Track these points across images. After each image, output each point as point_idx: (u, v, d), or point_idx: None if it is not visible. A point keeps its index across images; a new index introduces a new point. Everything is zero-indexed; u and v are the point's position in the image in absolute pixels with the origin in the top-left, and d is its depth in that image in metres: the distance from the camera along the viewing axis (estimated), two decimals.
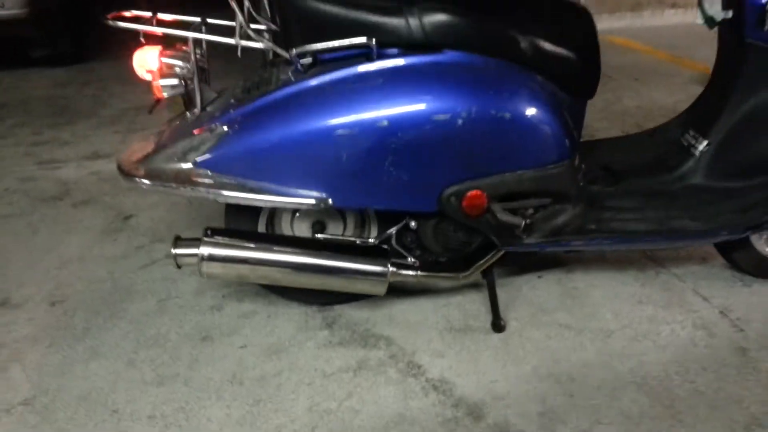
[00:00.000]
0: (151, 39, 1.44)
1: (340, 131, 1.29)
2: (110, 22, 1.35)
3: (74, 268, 2.00)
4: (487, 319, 1.76)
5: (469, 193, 1.38)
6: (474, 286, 1.86)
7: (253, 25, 1.38)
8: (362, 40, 1.29)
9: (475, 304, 1.83)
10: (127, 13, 1.44)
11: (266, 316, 1.79)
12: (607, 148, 1.85)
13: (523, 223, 1.43)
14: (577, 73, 1.43)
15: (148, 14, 1.44)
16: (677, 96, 3.52)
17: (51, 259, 2.05)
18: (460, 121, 1.29)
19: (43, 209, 2.35)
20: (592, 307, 1.82)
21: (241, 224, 1.55)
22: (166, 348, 1.68)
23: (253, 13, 1.45)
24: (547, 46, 1.37)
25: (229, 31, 1.44)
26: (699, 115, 1.73)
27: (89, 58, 4.17)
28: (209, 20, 1.48)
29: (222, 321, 1.78)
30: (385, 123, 1.29)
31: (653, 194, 1.64)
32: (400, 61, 1.32)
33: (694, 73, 3.92)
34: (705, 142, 1.65)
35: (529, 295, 1.87)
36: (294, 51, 1.32)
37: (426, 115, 1.29)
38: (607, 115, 3.26)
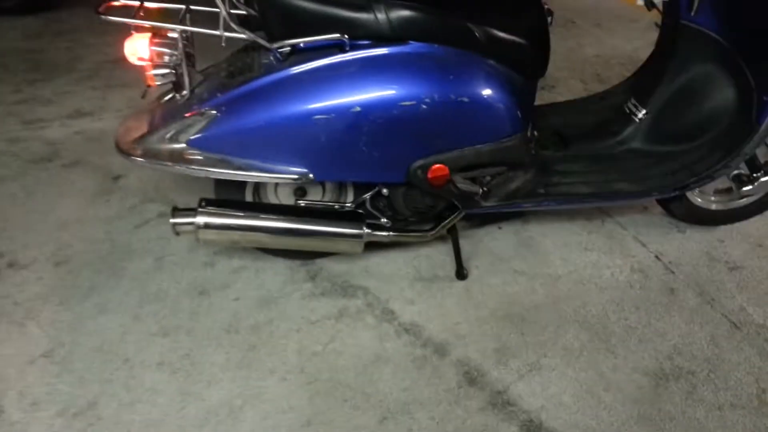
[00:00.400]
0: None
1: (317, 116, 1.46)
2: (102, 16, 1.46)
3: (73, 229, 2.16)
4: (452, 268, 1.99)
5: (433, 167, 1.57)
6: (441, 238, 2.08)
7: (234, 11, 1.51)
8: (336, 35, 1.44)
9: (441, 255, 2.05)
10: (116, 2, 1.54)
11: (255, 271, 1.99)
12: (560, 112, 2.04)
13: (481, 190, 1.64)
14: (528, 57, 1.60)
15: (136, 3, 1.55)
16: (636, 43, 3.68)
17: (49, 221, 2.20)
18: (423, 106, 1.47)
19: (35, 171, 2.47)
20: (544, 255, 2.07)
21: (230, 194, 1.72)
22: (166, 302, 1.88)
23: (234, 2, 1.57)
24: (500, 34, 1.53)
25: (212, 18, 1.56)
26: (640, 85, 1.92)
27: (57, 5, 4.12)
28: (192, 7, 1.59)
29: (215, 276, 1.97)
30: (358, 108, 1.46)
31: (597, 158, 1.86)
32: (369, 52, 1.48)
33: (654, 19, 4.06)
34: (644, 111, 1.86)
35: (490, 245, 2.10)
36: (275, 45, 1.46)
37: (394, 101, 1.46)
38: (569, 64, 3.41)
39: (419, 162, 1.57)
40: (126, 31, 1.58)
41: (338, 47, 1.48)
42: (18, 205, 2.29)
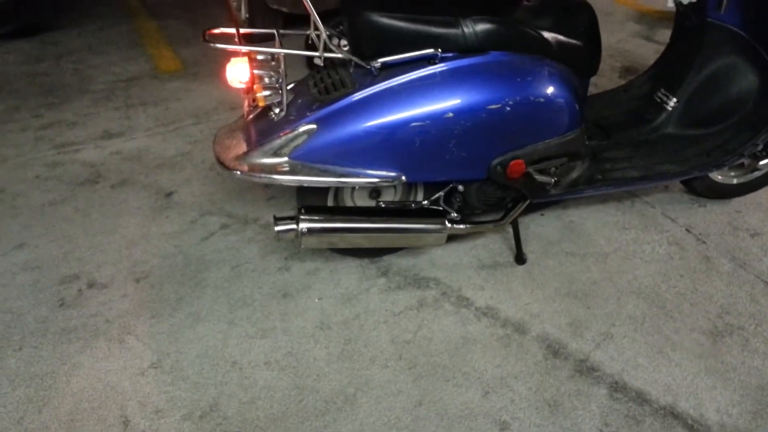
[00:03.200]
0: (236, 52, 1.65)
1: (414, 123, 1.62)
2: (209, 44, 1.57)
3: (142, 246, 2.23)
4: (509, 254, 2.18)
5: (512, 162, 1.75)
6: (491, 230, 2.26)
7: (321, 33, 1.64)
8: (430, 51, 1.60)
9: (496, 243, 2.23)
10: (216, 31, 1.65)
11: (329, 272, 2.12)
12: (593, 105, 2.25)
13: (552, 180, 1.83)
14: (584, 58, 1.80)
15: (232, 30, 1.66)
16: (618, 35, 3.95)
17: (115, 240, 2.27)
18: (507, 108, 1.65)
19: (83, 193, 2.52)
20: (588, 236, 2.27)
21: (312, 199, 1.86)
22: (255, 307, 1.99)
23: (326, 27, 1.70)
24: (563, 39, 1.73)
25: (293, 40, 1.69)
26: (666, 77, 2.15)
27: (50, 28, 4.11)
28: (282, 31, 1.71)
29: (293, 279, 2.10)
30: (451, 114, 1.62)
31: (637, 144, 2.08)
32: (457, 63, 1.65)
33: (629, 11, 4.35)
34: (674, 99, 2.09)
35: (537, 231, 2.29)
36: (372, 63, 1.61)
37: (482, 105, 1.64)
38: None
39: (499, 159, 1.75)
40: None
41: (427, 60, 1.64)
42: (77, 226, 2.34)
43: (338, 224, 1.75)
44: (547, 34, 1.71)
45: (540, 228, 2.31)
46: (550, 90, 1.70)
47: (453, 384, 1.75)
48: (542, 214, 2.38)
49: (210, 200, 2.47)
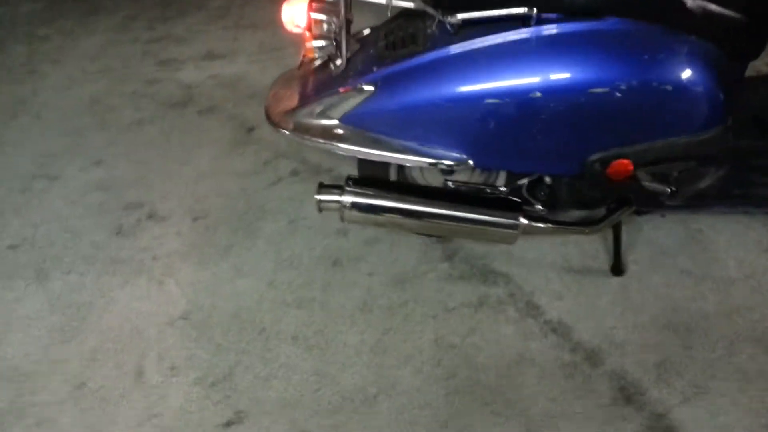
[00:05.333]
0: None
1: (489, 99, 1.28)
2: None
3: (209, 182, 2.14)
4: (605, 259, 1.80)
5: (616, 161, 1.36)
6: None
7: None
8: (522, 10, 1.23)
9: (593, 243, 1.85)
10: None
11: (389, 245, 1.89)
12: (757, 90, 1.72)
13: (669, 190, 1.41)
14: (742, 36, 1.31)
15: None
16: None
17: (187, 171, 2.20)
18: (618, 94, 1.25)
19: (171, 116, 2.47)
20: (715, 253, 1.81)
21: (373, 170, 1.60)
22: (300, 271, 1.83)
23: None
24: (715, 9, 1.25)
25: None
26: None
27: None
28: None
29: (348, 246, 1.90)
30: (538, 94, 1.26)
31: None
32: (558, 29, 1.25)
33: None
34: None
35: (651, 236, 1.87)
36: (448, 18, 1.27)
37: (582, 87, 1.25)
38: None
39: (599, 155, 1.36)
40: None
41: (521, 20, 1.27)
42: (156, 150, 2.31)
43: (387, 202, 1.49)
44: (692, 2, 1.24)
45: (655, 232, 1.88)
46: (685, 75, 1.26)
47: (491, 411, 1.48)
48: (663, 216, 1.93)
49: (288, 142, 2.31)
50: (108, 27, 3.09)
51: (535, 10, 1.24)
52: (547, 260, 1.82)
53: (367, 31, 1.57)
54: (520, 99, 1.27)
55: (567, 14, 1.26)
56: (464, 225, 1.53)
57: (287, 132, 1.44)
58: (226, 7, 3.23)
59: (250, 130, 2.37)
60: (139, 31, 3.05)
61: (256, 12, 3.15)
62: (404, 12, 1.36)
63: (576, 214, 1.77)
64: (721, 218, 1.90)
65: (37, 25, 3.14)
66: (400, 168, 1.63)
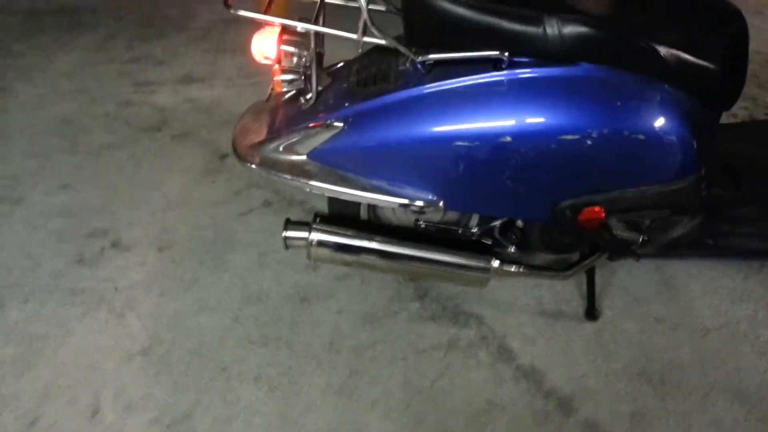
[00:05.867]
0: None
1: (459, 142, 1.25)
2: (231, 11, 1.29)
3: (178, 211, 2.08)
4: (579, 304, 1.77)
5: (587, 209, 1.33)
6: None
7: (372, 6, 1.29)
8: (495, 53, 1.20)
9: (567, 286, 1.82)
10: None
11: (360, 281, 1.84)
12: (729, 137, 1.71)
13: (641, 238, 1.38)
14: (717, 86, 1.30)
15: None
16: None
17: (155, 198, 2.13)
18: (588, 141, 1.22)
19: (144, 140, 2.41)
20: (690, 301, 1.79)
21: (344, 207, 1.55)
22: (267, 306, 1.77)
23: None
24: (690, 58, 1.24)
25: (349, 14, 1.37)
26: None
27: None
28: (328, 0, 1.39)
29: (318, 282, 1.84)
30: (509, 139, 1.23)
31: None
32: (530, 73, 1.23)
33: None
34: None
35: (625, 282, 1.84)
36: (420, 58, 1.24)
37: (554, 134, 1.22)
38: None
39: (570, 201, 1.33)
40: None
41: (492, 63, 1.25)
42: (124, 175, 2.24)
43: (355, 241, 1.45)
44: (665, 50, 1.22)
45: (629, 278, 1.85)
46: (658, 123, 1.24)
47: None
48: (638, 260, 1.90)
49: None
50: (86, 45, 3.03)
51: (506, 53, 1.21)
52: (520, 302, 1.78)
53: (339, 65, 1.54)
54: (490, 143, 1.24)
55: (539, 59, 1.24)
56: (434, 267, 1.49)
57: (254, 166, 1.39)
58: (208, 30, 3.19)
59: (223, 157, 2.32)
60: (117, 51, 2.99)
61: (237, 36, 3.11)
62: (378, 46, 1.33)
63: (549, 257, 1.75)
64: (695, 264, 1.88)
65: (12, 41, 3.07)
66: (371, 206, 1.59)
